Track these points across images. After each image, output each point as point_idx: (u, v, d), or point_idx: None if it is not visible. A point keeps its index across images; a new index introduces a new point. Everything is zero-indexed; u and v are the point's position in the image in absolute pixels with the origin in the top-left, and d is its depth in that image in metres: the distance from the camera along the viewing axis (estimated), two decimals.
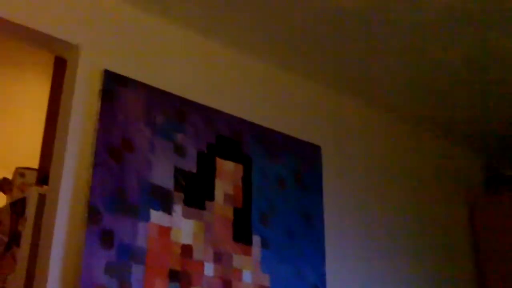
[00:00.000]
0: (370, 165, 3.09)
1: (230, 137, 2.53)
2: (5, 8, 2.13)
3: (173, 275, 2.17)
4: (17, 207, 2.28)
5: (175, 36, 2.56)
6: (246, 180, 2.51)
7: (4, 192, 2.55)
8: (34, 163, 2.54)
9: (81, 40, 2.27)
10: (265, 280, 2.41)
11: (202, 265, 2.26)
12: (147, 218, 2.18)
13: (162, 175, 2.28)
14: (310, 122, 2.91)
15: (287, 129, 2.76)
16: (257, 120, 2.65)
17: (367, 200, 3.00)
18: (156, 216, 2.21)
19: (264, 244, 2.46)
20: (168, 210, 2.24)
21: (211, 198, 2.38)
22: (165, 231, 2.21)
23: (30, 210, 2.20)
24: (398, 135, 3.31)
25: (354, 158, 3.03)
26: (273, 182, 2.60)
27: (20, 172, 2.48)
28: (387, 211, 3.08)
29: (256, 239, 2.44)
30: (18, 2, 2.17)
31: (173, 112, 2.39)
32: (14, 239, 2.23)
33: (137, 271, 2.09)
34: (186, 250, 2.23)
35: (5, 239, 2.27)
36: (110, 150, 2.18)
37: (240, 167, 2.51)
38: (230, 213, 2.41)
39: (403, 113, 3.25)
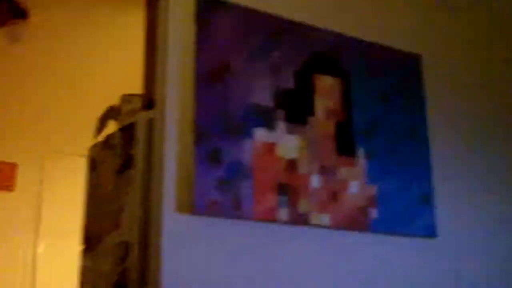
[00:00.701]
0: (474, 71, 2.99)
1: (327, 52, 2.52)
2: None
3: (281, 188, 2.23)
4: (127, 132, 2.39)
5: None
6: (346, 94, 2.51)
7: (114, 119, 2.66)
8: (137, 90, 2.62)
9: None
10: (372, 190, 2.44)
11: (308, 178, 2.31)
12: (251, 135, 2.24)
13: (262, 94, 2.31)
14: (410, 30, 2.84)
15: (386, 40, 2.71)
16: (353, 33, 2.62)
17: (474, 110, 2.92)
18: (260, 133, 2.26)
19: (369, 156, 2.48)
20: (271, 127, 2.29)
21: (312, 113, 2.40)
22: (269, 147, 2.26)
23: (140, 134, 2.30)
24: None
25: (457, 67, 2.94)
26: (374, 95, 2.59)
27: (127, 98, 2.57)
28: (497, 120, 2.99)
29: (360, 151, 2.46)
30: None
31: (269, 32, 2.40)
32: (128, 162, 2.34)
33: (246, 186, 2.17)
34: (292, 164, 2.29)
35: (120, 162, 2.40)
36: (210, 73, 2.23)
37: (338, 82, 2.51)
38: (332, 127, 2.43)
39: None
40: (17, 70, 4.53)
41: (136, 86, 2.66)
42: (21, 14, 3.49)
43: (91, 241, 2.55)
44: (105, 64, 4.29)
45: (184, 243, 2.06)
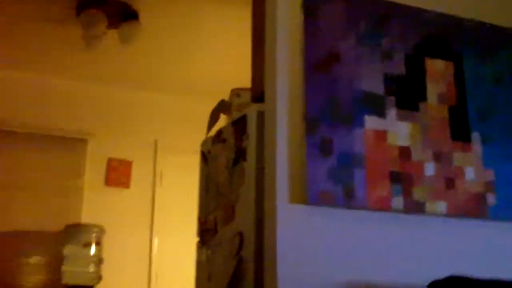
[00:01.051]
0: None
1: (438, 35, 2.45)
2: None
3: (394, 177, 2.20)
4: (238, 125, 2.43)
5: None
6: (459, 78, 2.43)
7: (224, 113, 2.72)
8: (246, 84, 2.66)
9: None
10: (490, 175, 2.36)
11: (422, 165, 2.26)
12: (362, 124, 2.22)
13: (372, 81, 2.29)
14: None
15: (496, 19, 2.60)
16: (465, 14, 2.53)
17: None
18: (371, 121, 2.24)
19: (485, 141, 2.39)
20: (381, 114, 2.26)
21: (424, 98, 2.34)
22: (381, 135, 2.23)
23: (251, 127, 2.33)
24: None
25: None
26: (488, 78, 2.49)
27: (236, 93, 2.62)
28: None
29: (475, 136, 2.38)
30: None
31: (377, 17, 2.37)
32: (240, 155, 2.38)
33: (358, 175, 2.15)
34: (404, 152, 2.25)
35: (232, 155, 2.44)
36: (319, 62, 2.23)
37: (451, 65, 2.44)
38: (445, 112, 2.37)
39: None
40: (129, 69, 4.71)
41: (244, 79, 2.70)
42: (132, 15, 3.63)
43: (206, 233, 2.62)
44: (214, 59, 4.37)
45: (298, 233, 2.07)
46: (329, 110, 2.18)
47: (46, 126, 4.89)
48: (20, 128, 4.81)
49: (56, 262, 4.37)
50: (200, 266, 2.65)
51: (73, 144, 4.97)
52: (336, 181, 2.11)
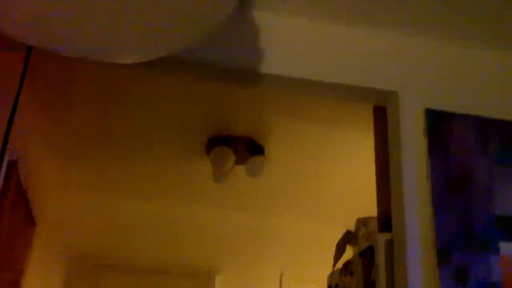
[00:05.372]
0: None
1: None
2: (332, 73, 2.30)
3: None
4: (366, 256, 2.37)
5: (490, 59, 2.48)
6: None
7: (350, 244, 2.67)
8: (372, 212, 2.63)
9: (399, 86, 2.34)
10: None
11: None
12: (497, 250, 2.09)
13: (507, 204, 2.18)
14: None
15: None
16: None
17: None
18: (507, 248, 2.11)
19: None
20: None
21: None
22: None
23: (380, 257, 2.26)
24: None
25: None
26: None
27: (363, 222, 2.58)
28: None
29: None
30: (338, 65, 2.32)
31: (508, 137, 2.29)
32: (369, 287, 2.30)
33: None
34: None
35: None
36: (447, 186, 2.16)
37: None
38: None
39: None
40: (257, 203, 4.80)
41: (370, 208, 2.66)
42: (258, 150, 3.75)
43: None
44: (339, 189, 4.38)
45: None
46: (462, 236, 2.09)
47: (172, 261, 4.99)
48: (146, 265, 4.93)
49: None
50: None
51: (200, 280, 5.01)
52: None
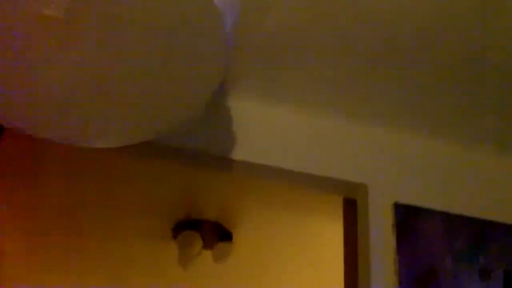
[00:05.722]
0: None
1: None
2: (304, 164, 2.34)
3: None
4: None
5: (459, 155, 2.54)
6: None
7: None
8: None
9: (368, 178, 2.37)
10: None
11: None
12: None
13: None
14: None
15: None
16: None
17: None
18: None
19: None
20: None
21: None
22: None
23: None
24: None
25: None
26: None
27: None
28: None
29: None
30: (310, 155, 2.36)
31: (473, 235, 2.33)
32: None
33: None
34: None
35: None
36: (415, 282, 2.17)
37: None
38: None
39: None
40: (221, 284, 4.70)
41: None
42: (227, 236, 3.73)
43: None
44: (307, 279, 4.34)
45: None
46: None
47: None
48: None
49: None
50: None
51: None
52: None
